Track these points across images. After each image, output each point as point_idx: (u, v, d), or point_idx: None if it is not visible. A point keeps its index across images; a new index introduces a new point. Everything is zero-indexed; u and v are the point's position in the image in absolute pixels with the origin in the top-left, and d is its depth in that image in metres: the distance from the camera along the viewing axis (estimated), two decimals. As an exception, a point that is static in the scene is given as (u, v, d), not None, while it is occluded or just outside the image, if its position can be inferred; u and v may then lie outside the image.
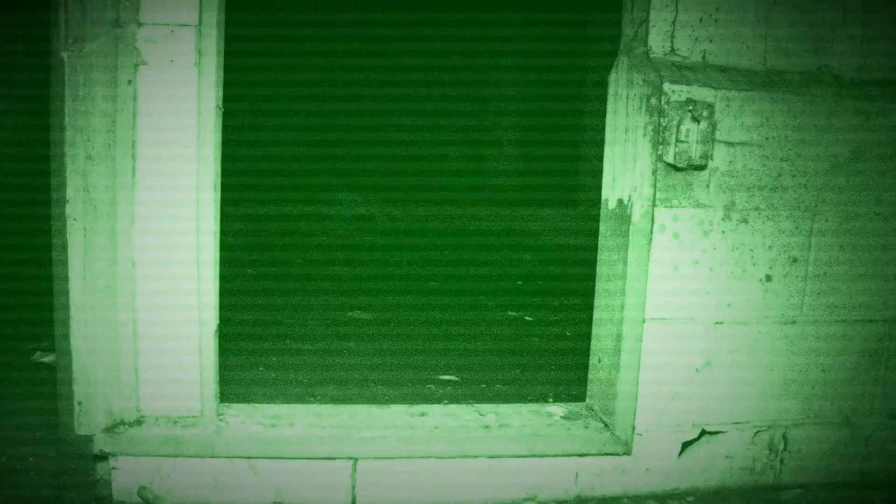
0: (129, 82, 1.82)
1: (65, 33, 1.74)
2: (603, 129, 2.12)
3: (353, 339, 3.10)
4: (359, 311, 3.42)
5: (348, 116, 5.54)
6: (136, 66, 1.81)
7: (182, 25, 1.81)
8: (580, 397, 2.26)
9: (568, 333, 3.30)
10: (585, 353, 2.22)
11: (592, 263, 2.16)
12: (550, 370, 2.85)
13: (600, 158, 2.12)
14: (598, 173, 2.29)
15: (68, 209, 1.79)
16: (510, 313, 3.61)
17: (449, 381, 2.73)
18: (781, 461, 2.08)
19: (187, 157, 1.85)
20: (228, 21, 1.89)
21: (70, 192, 1.79)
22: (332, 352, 2.96)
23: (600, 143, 2.17)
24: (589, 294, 2.16)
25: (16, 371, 2.64)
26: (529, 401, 2.35)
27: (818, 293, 2.03)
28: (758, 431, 2.06)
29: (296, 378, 2.66)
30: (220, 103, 1.88)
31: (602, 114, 2.13)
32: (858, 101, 1.99)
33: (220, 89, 1.88)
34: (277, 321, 3.27)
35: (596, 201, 2.14)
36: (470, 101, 5.99)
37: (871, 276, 2.05)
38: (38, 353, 2.73)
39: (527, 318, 3.56)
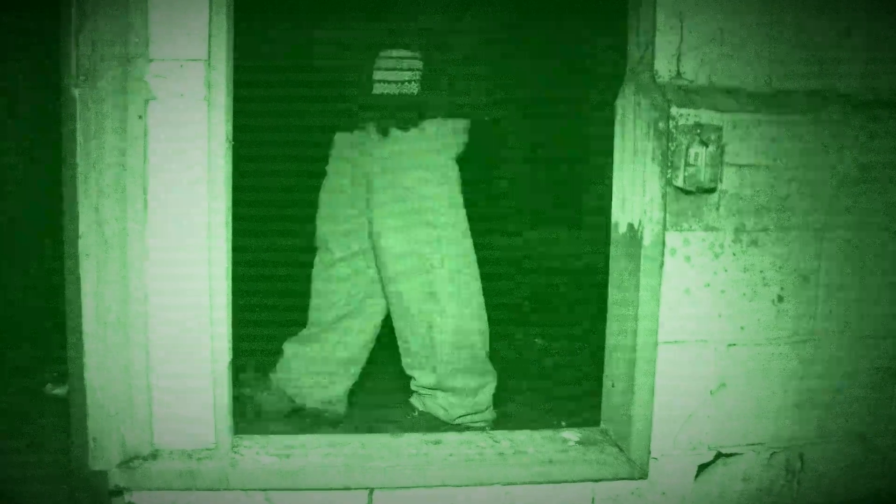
0: (140, 117, 1.83)
1: (76, 70, 1.75)
2: (606, 151, 2.13)
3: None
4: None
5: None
6: (146, 100, 1.83)
7: (191, 60, 1.83)
8: (593, 421, 2.26)
9: (579, 356, 3.29)
10: (597, 376, 2.21)
11: (600, 285, 2.17)
12: (562, 394, 2.84)
13: (602, 177, 2.14)
14: (601, 195, 2.30)
15: (81, 244, 1.80)
16: (519, 336, 3.61)
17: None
18: (799, 482, 2.07)
19: (198, 190, 1.86)
20: (238, 54, 1.91)
21: (83, 228, 1.80)
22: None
23: (601, 163, 2.19)
24: (599, 316, 2.17)
25: (27, 404, 2.64)
26: (542, 426, 2.34)
27: (830, 312, 2.03)
28: (774, 453, 2.04)
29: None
30: (231, 136, 1.90)
31: (608, 136, 2.14)
32: (865, 121, 2.00)
33: (231, 122, 1.89)
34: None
35: (602, 223, 2.15)
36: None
37: (882, 293, 2.05)
38: (49, 385, 2.73)
39: (537, 340, 3.55)
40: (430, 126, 2.34)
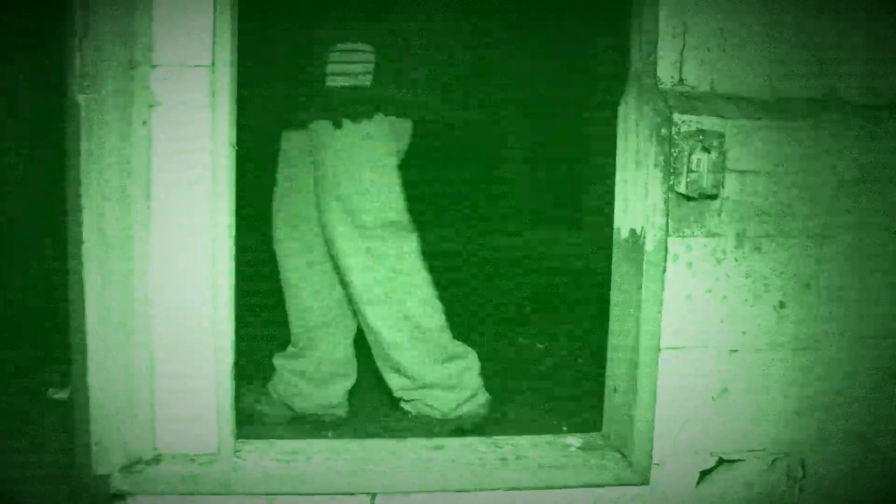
0: (144, 123, 1.83)
1: (80, 76, 1.76)
2: (607, 152, 2.13)
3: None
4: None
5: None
6: (150, 106, 1.83)
7: (195, 66, 1.83)
8: (594, 426, 2.26)
9: (580, 360, 3.30)
10: (598, 379, 2.22)
11: (600, 286, 2.17)
12: (563, 398, 2.85)
13: (605, 178, 2.14)
14: (602, 195, 2.31)
15: (84, 250, 1.80)
16: (521, 340, 3.61)
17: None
18: (800, 488, 2.07)
19: (202, 196, 1.86)
20: (241, 60, 1.92)
21: (86, 233, 1.80)
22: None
23: (602, 165, 2.19)
24: (599, 319, 2.17)
25: (27, 404, 2.65)
26: (544, 430, 2.35)
27: (831, 315, 2.03)
28: (775, 458, 2.05)
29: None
30: (234, 141, 1.90)
31: (606, 137, 2.15)
32: (865, 124, 2.00)
33: (234, 128, 1.89)
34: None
35: (602, 225, 2.16)
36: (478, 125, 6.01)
37: (882, 294, 2.05)
38: (52, 389, 2.73)
39: (538, 344, 3.56)
40: (383, 122, 2.33)
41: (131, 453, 1.92)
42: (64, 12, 1.76)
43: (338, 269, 2.42)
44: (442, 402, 2.45)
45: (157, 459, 1.94)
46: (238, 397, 2.11)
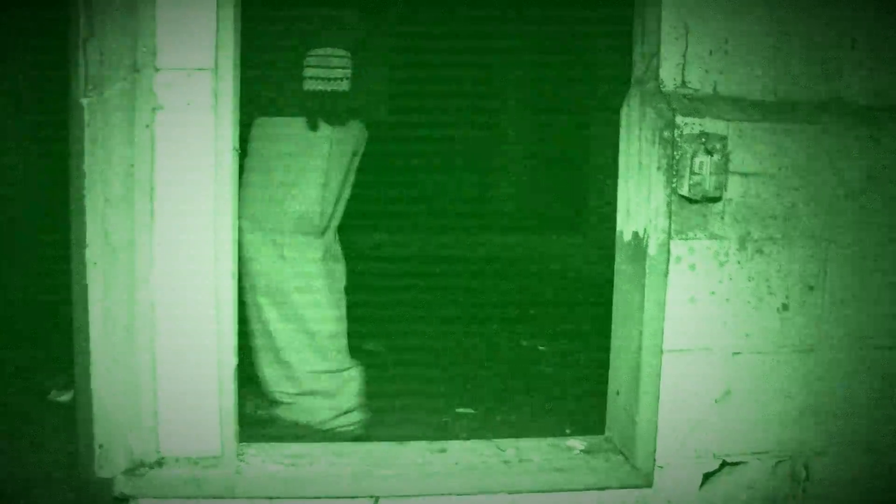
0: (147, 126, 1.83)
1: (84, 80, 1.76)
2: (609, 154, 2.13)
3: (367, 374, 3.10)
4: (372, 343, 3.42)
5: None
6: (153, 110, 1.83)
7: (198, 69, 1.83)
8: (597, 428, 2.26)
9: (582, 362, 3.30)
10: (601, 382, 2.22)
11: (600, 287, 2.16)
12: (566, 400, 2.85)
13: (605, 177, 2.13)
14: (605, 198, 2.30)
15: (88, 253, 1.80)
16: (523, 342, 3.61)
17: (465, 413, 2.73)
18: (804, 491, 2.07)
19: (205, 199, 1.86)
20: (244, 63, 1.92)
21: (90, 236, 1.80)
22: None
23: (604, 168, 2.19)
24: (600, 319, 2.16)
25: (27, 405, 2.65)
26: (547, 433, 2.35)
27: (836, 320, 2.03)
28: (779, 461, 2.05)
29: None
30: (237, 145, 1.90)
31: (610, 141, 2.15)
32: (869, 128, 2.00)
33: (237, 131, 1.89)
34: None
35: (602, 225, 2.16)
36: (479, 128, 6.02)
37: (887, 297, 2.04)
38: (54, 391, 2.73)
39: (540, 347, 3.55)
40: (353, 128, 2.35)
41: (134, 456, 1.92)
42: (68, 14, 1.77)
43: (242, 259, 2.34)
44: (317, 412, 2.40)
45: (160, 462, 1.94)
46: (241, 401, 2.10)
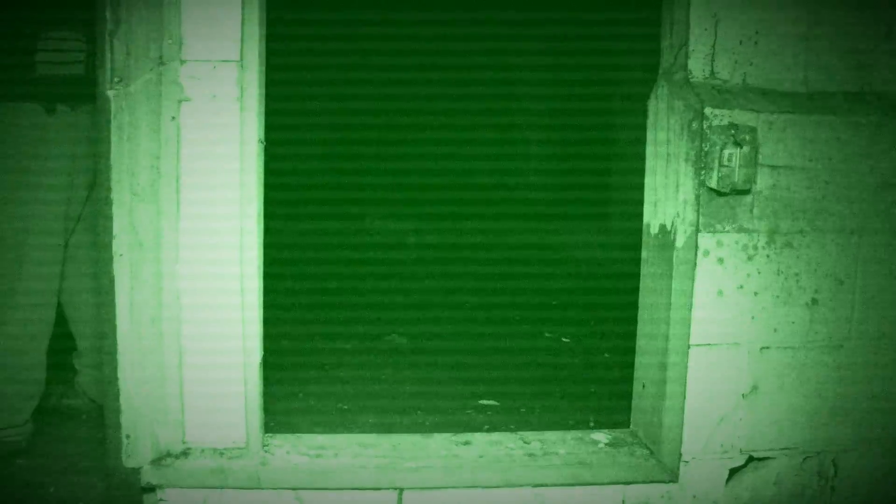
0: (173, 118, 1.84)
1: (110, 73, 1.76)
2: (636, 148, 2.10)
3: (391, 366, 3.10)
4: (396, 336, 3.42)
5: (380, 146, 5.63)
6: (179, 102, 1.84)
7: (224, 61, 1.83)
8: (622, 422, 2.25)
9: (606, 355, 3.28)
10: (626, 375, 2.20)
11: (624, 277, 2.13)
12: (590, 393, 2.83)
13: (634, 173, 2.11)
14: (631, 191, 2.28)
15: (115, 245, 1.81)
16: (547, 335, 3.59)
17: (489, 406, 2.72)
18: (832, 488, 2.04)
19: (231, 190, 1.87)
20: (269, 55, 1.92)
21: (117, 229, 1.81)
22: (371, 379, 2.96)
23: (631, 160, 2.15)
24: (624, 309, 2.14)
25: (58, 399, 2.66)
26: (571, 426, 2.34)
27: (866, 317, 1.99)
28: (807, 458, 2.02)
29: (336, 406, 2.67)
30: (262, 137, 1.90)
31: (637, 133, 2.12)
32: (904, 120, 1.97)
33: (262, 123, 1.90)
34: (316, 348, 3.28)
35: (628, 217, 2.13)
36: (501, 122, 6.01)
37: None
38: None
39: (564, 339, 3.54)
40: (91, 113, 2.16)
41: (161, 446, 1.93)
42: (94, 8, 1.77)
43: None
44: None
45: (186, 453, 1.95)
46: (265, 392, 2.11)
